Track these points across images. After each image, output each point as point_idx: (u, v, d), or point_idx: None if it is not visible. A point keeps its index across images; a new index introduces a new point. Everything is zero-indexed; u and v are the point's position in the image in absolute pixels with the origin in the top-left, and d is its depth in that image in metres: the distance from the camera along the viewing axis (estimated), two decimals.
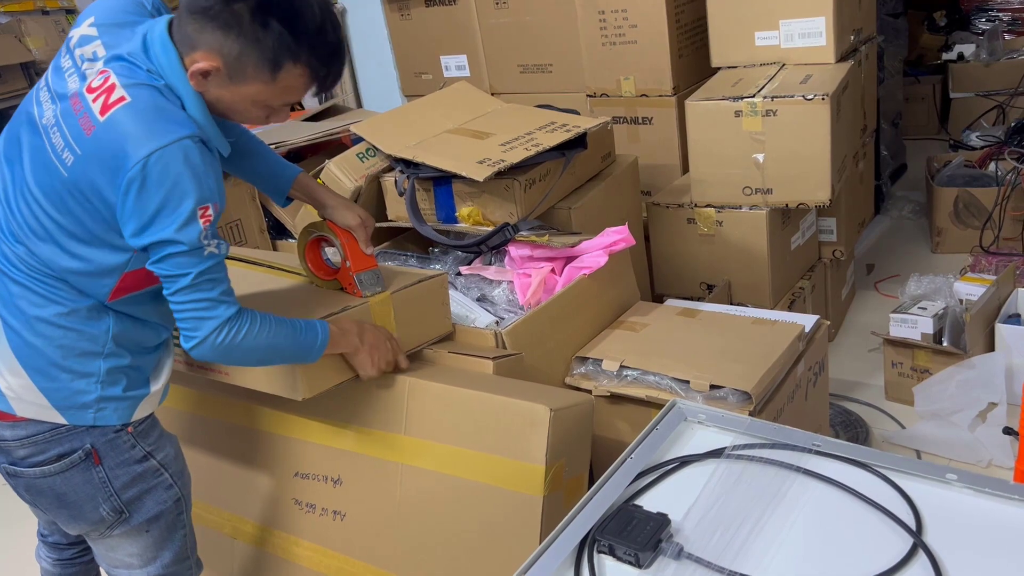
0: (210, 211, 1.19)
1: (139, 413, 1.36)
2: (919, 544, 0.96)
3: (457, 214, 2.08)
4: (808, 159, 2.27)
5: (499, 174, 1.95)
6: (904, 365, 2.42)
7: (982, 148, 3.44)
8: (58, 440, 1.31)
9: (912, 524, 0.99)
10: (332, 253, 1.64)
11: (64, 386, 1.29)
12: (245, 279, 1.70)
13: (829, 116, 2.20)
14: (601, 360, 1.83)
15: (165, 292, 1.24)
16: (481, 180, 1.90)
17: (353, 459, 1.61)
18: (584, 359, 1.86)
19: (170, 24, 1.23)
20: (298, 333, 1.35)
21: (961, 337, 2.33)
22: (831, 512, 1.03)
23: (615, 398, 1.79)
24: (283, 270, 1.72)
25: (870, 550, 0.96)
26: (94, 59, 1.23)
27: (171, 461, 1.42)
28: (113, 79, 1.19)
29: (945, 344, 2.33)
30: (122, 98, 1.18)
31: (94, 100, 1.19)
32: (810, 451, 1.12)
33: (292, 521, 1.69)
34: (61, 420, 1.30)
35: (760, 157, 2.32)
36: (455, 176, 2.00)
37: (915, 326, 2.37)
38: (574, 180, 2.25)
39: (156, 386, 1.39)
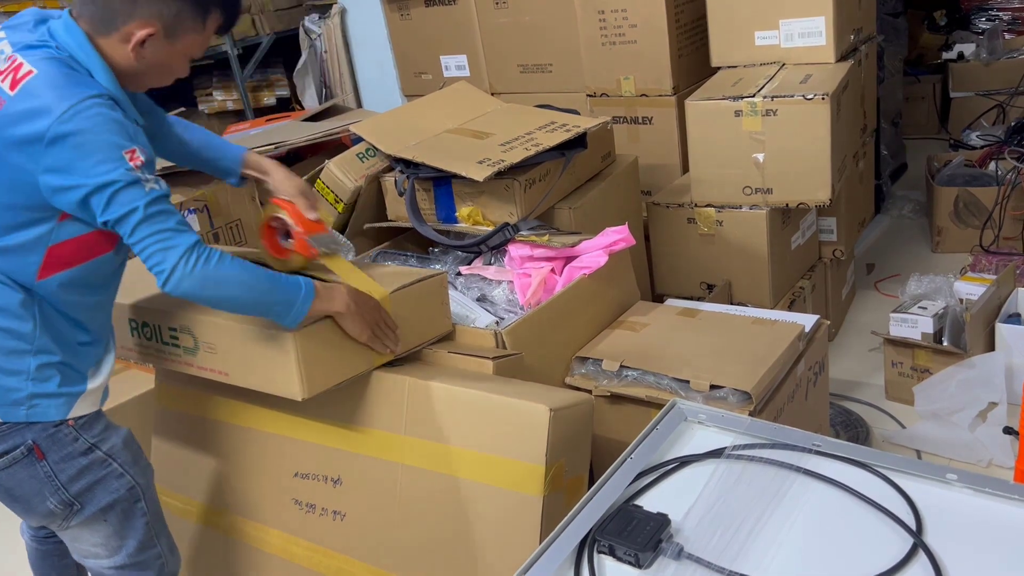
0: (137, 154, 1.23)
1: (78, 410, 1.36)
2: (919, 544, 0.96)
3: (457, 214, 2.08)
4: (808, 159, 2.27)
5: (499, 174, 1.95)
6: (904, 365, 2.42)
7: (982, 147, 3.44)
8: (1, 437, 1.32)
9: (912, 524, 0.99)
10: (287, 242, 1.63)
11: None
12: None
13: (829, 115, 2.20)
14: (601, 360, 1.83)
15: (125, 238, 1.25)
16: (481, 180, 1.90)
17: (353, 459, 1.61)
18: (584, 359, 1.86)
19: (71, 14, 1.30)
20: (278, 279, 1.35)
21: (961, 337, 2.33)
22: (831, 512, 1.03)
23: (615, 398, 1.79)
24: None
25: (870, 550, 0.96)
26: (0, 53, 1.28)
27: (119, 451, 1.42)
28: (20, 59, 1.25)
29: (945, 344, 2.33)
30: (30, 71, 1.23)
31: (2, 80, 1.24)
32: (810, 451, 1.12)
33: (292, 521, 1.69)
34: None
35: (760, 157, 2.32)
36: (455, 176, 2.00)
37: (915, 326, 2.37)
38: (574, 180, 2.25)
39: (94, 383, 1.39)
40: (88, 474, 1.38)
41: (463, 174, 1.94)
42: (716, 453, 1.15)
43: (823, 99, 2.18)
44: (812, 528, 1.01)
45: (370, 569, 1.58)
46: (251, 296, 1.33)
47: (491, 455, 1.45)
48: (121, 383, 2.32)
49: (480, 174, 1.91)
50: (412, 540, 1.53)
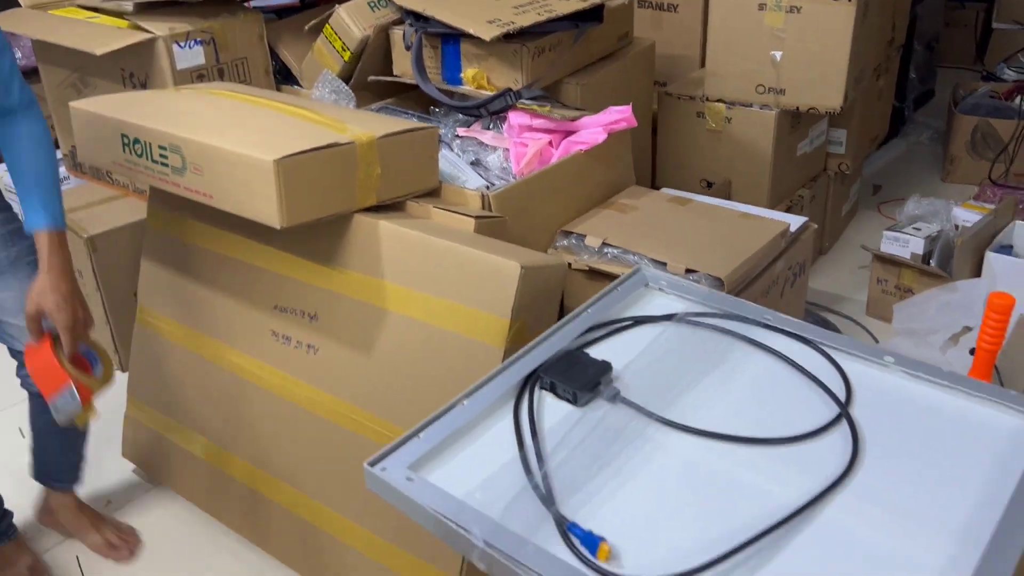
0: None
1: None
2: (844, 414, 1.00)
3: (462, 75, 2.06)
4: (826, 62, 2.22)
5: (508, 38, 1.92)
6: (889, 283, 2.44)
7: (1014, 82, 3.36)
8: None
9: (842, 397, 1.03)
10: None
11: None
12: (251, 115, 1.70)
13: (854, 18, 2.14)
14: (584, 236, 1.85)
15: None
16: (488, 39, 1.88)
17: (330, 297, 1.65)
18: (568, 233, 1.88)
19: None
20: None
21: (950, 261, 2.33)
22: (767, 379, 1.07)
23: (593, 273, 1.82)
24: (283, 105, 1.72)
25: (797, 415, 1.00)
26: None
27: None
28: None
29: (932, 265, 2.34)
30: None
31: None
32: (759, 324, 1.15)
33: (269, 351, 1.75)
34: None
35: (778, 55, 2.27)
36: (463, 34, 1.97)
37: (906, 245, 2.38)
38: (586, 56, 2.21)
39: None
40: None
41: (471, 31, 1.91)
42: (671, 317, 1.18)
43: (850, 0, 2.12)
44: (745, 390, 1.05)
45: (336, 401, 1.65)
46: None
47: (460, 305, 1.49)
48: (117, 210, 2.37)
49: (488, 33, 1.88)
50: (378, 377, 1.59)
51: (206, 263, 1.85)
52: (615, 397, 1.02)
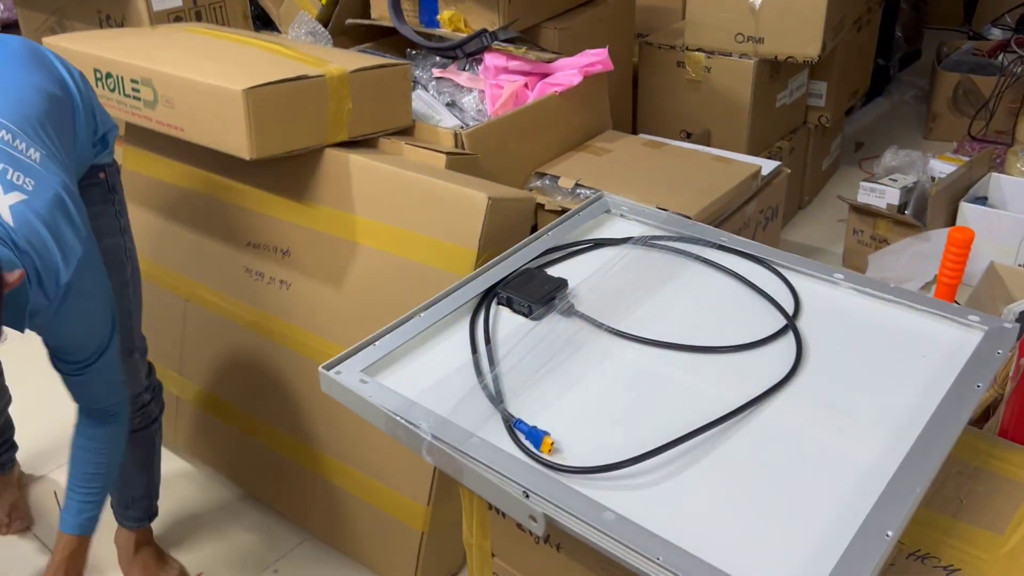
0: None
1: None
2: (791, 326, 1.02)
3: (439, 17, 2.06)
4: (803, 10, 2.23)
5: None
6: (864, 234, 2.46)
7: (998, 40, 3.35)
8: None
9: (791, 311, 1.05)
10: None
11: None
12: (224, 50, 1.71)
13: None
14: (558, 177, 1.86)
15: None
16: None
17: (302, 233, 1.66)
18: (542, 174, 1.89)
19: None
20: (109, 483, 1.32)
21: (925, 212, 2.35)
22: (718, 294, 1.09)
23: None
24: (257, 42, 1.72)
25: (745, 327, 1.03)
26: None
27: None
28: None
29: (907, 215, 2.36)
30: None
31: None
32: (715, 245, 1.17)
33: (242, 287, 1.77)
34: None
35: (757, 2, 2.27)
36: None
37: (882, 196, 2.39)
38: (564, 1, 2.21)
39: None
40: None
41: None
42: (629, 239, 1.20)
43: None
44: (697, 305, 1.07)
45: (308, 335, 1.67)
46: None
47: (430, 236, 1.51)
48: None
49: None
50: (349, 311, 1.61)
51: (180, 201, 1.86)
52: (569, 310, 1.05)
